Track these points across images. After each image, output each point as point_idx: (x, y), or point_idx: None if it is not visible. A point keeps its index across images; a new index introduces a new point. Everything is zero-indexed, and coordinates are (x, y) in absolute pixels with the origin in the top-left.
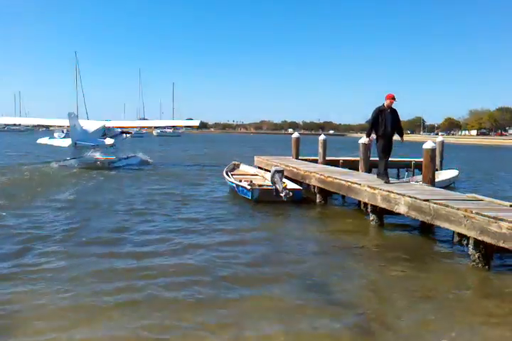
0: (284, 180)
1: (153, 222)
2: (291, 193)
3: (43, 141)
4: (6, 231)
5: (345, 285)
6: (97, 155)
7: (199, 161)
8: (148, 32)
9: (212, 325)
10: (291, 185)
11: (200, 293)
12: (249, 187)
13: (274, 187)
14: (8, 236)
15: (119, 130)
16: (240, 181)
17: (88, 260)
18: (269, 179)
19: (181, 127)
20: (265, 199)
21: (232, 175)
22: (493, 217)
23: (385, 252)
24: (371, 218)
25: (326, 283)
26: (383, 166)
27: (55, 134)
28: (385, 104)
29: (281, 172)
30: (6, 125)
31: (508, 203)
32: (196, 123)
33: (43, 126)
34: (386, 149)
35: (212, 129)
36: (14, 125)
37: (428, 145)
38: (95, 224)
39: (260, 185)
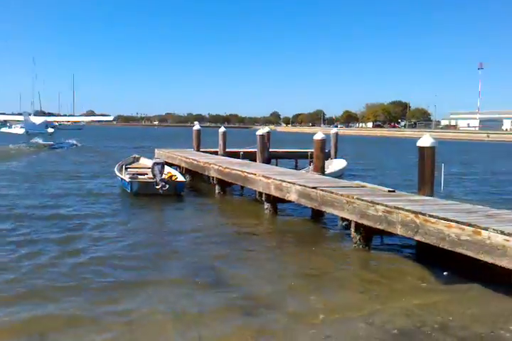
0: (175, 172)
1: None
2: (167, 186)
3: (4, 130)
4: None
5: (237, 269)
6: (41, 140)
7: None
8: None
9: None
10: (180, 178)
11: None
12: (128, 180)
13: (155, 179)
14: None
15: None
16: (132, 174)
17: None
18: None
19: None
20: (145, 192)
21: (129, 168)
22: (371, 202)
23: (276, 237)
24: (265, 206)
25: (218, 268)
26: None
27: None
28: None
29: (160, 164)
30: None
31: (387, 189)
32: (110, 118)
33: None
34: None
35: (114, 122)
36: None
37: (318, 136)
38: None
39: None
